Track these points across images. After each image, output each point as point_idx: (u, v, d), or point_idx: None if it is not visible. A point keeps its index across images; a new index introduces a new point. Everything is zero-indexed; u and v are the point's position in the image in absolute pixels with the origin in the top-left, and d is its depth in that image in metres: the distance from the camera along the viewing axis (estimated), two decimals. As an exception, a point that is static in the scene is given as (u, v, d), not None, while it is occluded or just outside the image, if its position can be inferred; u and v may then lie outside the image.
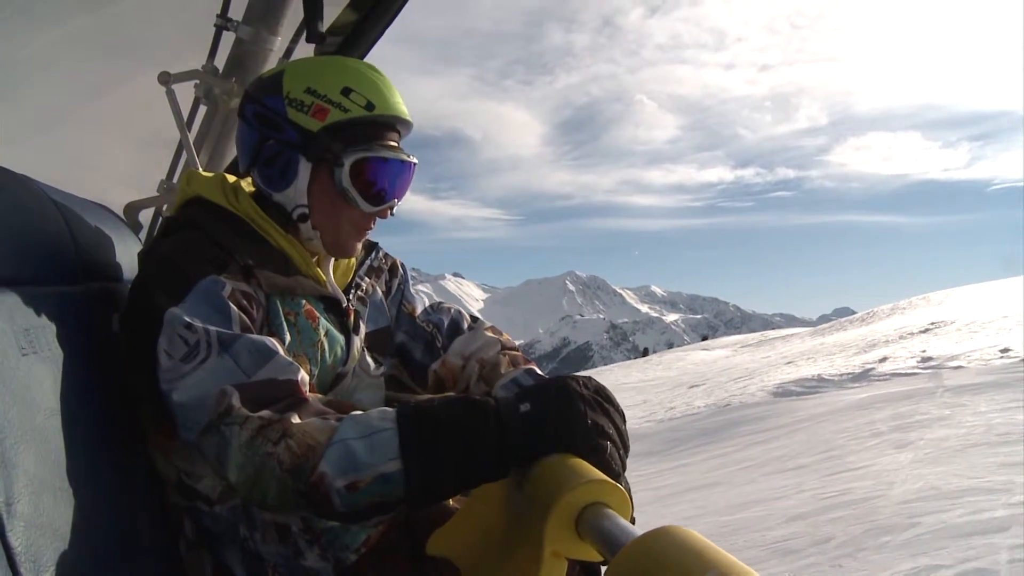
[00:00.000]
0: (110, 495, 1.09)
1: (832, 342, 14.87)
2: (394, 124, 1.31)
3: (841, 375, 9.48)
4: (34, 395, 0.96)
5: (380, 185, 1.29)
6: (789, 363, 12.98)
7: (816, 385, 9.37)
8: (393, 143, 1.31)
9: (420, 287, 1.64)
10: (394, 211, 1.35)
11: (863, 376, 8.98)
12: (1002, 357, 7.86)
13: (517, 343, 1.52)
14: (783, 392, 9.38)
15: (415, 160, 1.32)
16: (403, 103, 1.31)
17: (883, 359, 9.89)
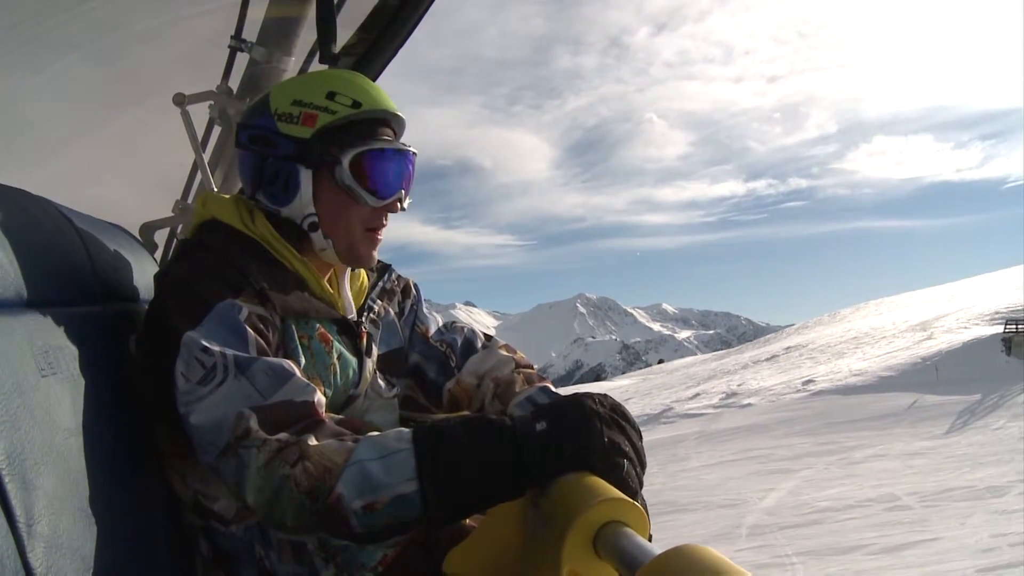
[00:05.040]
0: (128, 515, 1.09)
1: (696, 371, 14.62)
2: (385, 119, 1.31)
3: (639, 416, 9.20)
4: (53, 416, 0.96)
5: (383, 177, 1.29)
6: (629, 399, 12.61)
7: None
8: (387, 138, 1.31)
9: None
10: (405, 205, 1.35)
11: (656, 418, 8.80)
12: (799, 391, 7.71)
13: (530, 365, 1.51)
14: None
15: (413, 150, 1.33)
16: (390, 100, 1.31)
17: (695, 395, 9.66)
